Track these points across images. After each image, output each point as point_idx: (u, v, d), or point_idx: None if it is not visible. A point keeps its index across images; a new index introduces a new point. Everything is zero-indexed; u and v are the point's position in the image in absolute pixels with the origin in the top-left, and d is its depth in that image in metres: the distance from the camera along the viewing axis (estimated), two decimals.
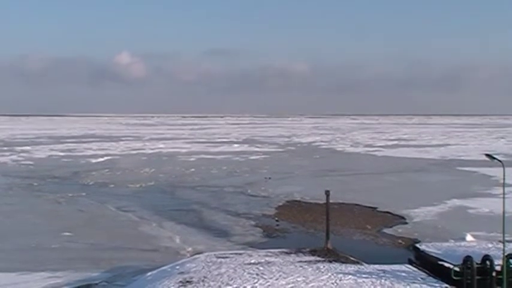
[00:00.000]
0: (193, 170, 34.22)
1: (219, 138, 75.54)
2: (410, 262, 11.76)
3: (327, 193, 13.54)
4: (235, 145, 59.30)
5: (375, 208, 20.64)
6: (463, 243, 12.99)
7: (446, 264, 10.81)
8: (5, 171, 32.66)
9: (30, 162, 38.34)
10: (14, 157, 42.40)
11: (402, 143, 64.65)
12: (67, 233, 16.21)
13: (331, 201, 14.00)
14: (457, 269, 10.18)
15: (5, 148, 52.61)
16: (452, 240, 13.77)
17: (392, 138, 76.18)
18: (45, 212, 19.95)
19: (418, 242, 14.28)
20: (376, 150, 51.62)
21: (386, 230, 17.11)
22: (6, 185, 26.94)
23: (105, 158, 42.50)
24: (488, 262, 10.11)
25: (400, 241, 15.71)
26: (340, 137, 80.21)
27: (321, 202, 18.92)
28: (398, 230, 17.12)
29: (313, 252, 12.19)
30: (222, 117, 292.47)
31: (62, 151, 48.81)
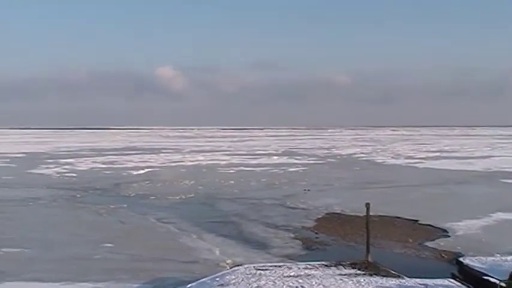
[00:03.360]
0: (232, 182, 34.30)
1: (258, 150, 75.60)
2: (454, 276, 11.50)
3: (367, 205, 13.38)
4: (275, 157, 59.22)
5: (416, 221, 20.26)
6: (509, 258, 12.64)
7: (492, 279, 10.54)
8: (49, 183, 33.38)
9: (73, 174, 39.08)
10: (58, 169, 43.29)
11: (444, 154, 63.51)
12: (108, 244, 16.40)
13: (371, 213, 13.82)
14: (503, 284, 9.92)
15: (50, 161, 53.77)
16: (498, 255, 13.41)
17: (433, 149, 74.95)
18: (88, 223, 20.25)
19: (462, 255, 13.96)
20: (417, 162, 50.82)
21: (428, 243, 16.76)
22: (50, 196, 27.50)
23: (146, 170, 43.00)
24: None
25: (442, 255, 15.37)
26: (381, 148, 79.33)
27: (361, 215, 18.67)
28: (441, 243, 16.75)
29: (353, 265, 12.04)
30: (261, 129, 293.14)
31: (104, 163, 49.61)
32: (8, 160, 55.17)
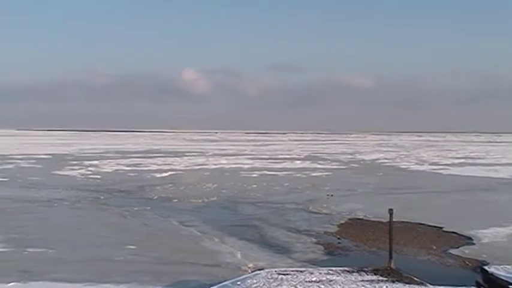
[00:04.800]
0: (255, 186, 34.33)
1: (281, 154, 75.58)
2: (478, 285, 11.34)
3: (391, 211, 13.27)
4: (297, 161, 59.13)
5: (440, 228, 20.04)
6: None
7: None
8: (74, 185, 33.76)
9: (98, 176, 39.48)
10: (83, 171, 43.78)
11: (469, 161, 62.73)
12: (131, 246, 16.51)
13: (394, 219, 13.71)
14: None
15: (74, 162, 54.42)
16: None
17: (459, 156, 74.09)
18: (111, 225, 20.42)
19: (487, 264, 13.75)
20: (441, 169, 50.29)
21: (452, 251, 16.56)
22: (75, 198, 27.81)
23: (169, 173, 43.27)
24: None
25: (467, 262, 15.17)
26: (405, 154, 78.67)
27: (384, 220, 18.58)
28: (465, 250, 16.54)
29: (375, 272, 11.95)
30: (284, 133, 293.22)
31: (128, 166, 50.03)
32: (34, 161, 55.95)
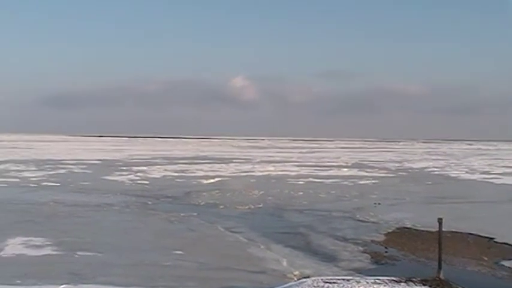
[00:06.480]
0: (301, 193, 34.22)
1: (328, 161, 75.17)
2: None
3: (440, 221, 13.02)
4: (344, 169, 58.68)
5: (492, 238, 19.50)
6: None
7: None
8: (123, 190, 34.37)
9: (146, 182, 40.11)
10: (131, 176, 44.53)
11: None
12: (178, 251, 16.68)
13: (443, 229, 13.43)
14: None
15: (124, 168, 55.41)
16: None
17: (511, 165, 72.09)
18: (158, 230, 20.68)
19: None
20: (493, 178, 48.99)
21: (505, 263, 16.07)
22: (123, 203, 28.31)
23: (216, 179, 43.59)
24: None
25: None
26: (454, 162, 77.05)
27: (433, 230, 18.18)
28: None
29: (424, 282, 11.72)
30: (331, 140, 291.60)
31: (175, 171, 50.64)
32: (85, 166, 57.25)
